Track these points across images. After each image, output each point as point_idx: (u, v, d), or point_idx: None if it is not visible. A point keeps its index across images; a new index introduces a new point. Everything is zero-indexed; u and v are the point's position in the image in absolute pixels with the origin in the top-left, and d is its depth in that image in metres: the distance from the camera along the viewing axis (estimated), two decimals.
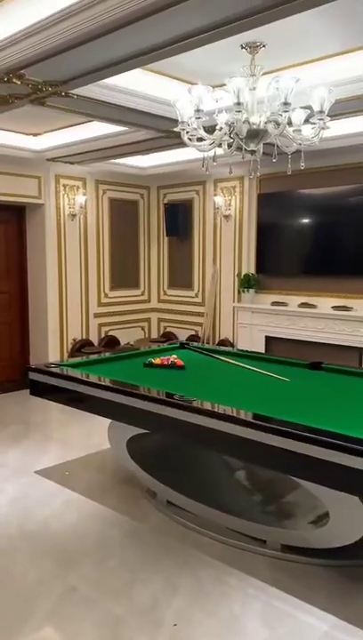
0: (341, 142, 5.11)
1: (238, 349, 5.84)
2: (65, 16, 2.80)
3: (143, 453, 3.69)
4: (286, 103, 3.20)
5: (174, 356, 4.19)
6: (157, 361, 4.05)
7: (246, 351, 5.02)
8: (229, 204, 7.41)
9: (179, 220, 7.99)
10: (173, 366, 4.00)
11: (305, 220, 6.74)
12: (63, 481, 4.04)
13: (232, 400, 2.99)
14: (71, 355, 7.19)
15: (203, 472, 3.74)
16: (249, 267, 7.29)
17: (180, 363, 4.03)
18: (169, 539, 3.20)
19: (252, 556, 3.00)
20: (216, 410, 2.86)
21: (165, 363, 4.02)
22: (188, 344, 5.04)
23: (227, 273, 7.58)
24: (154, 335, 8.51)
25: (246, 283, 7.19)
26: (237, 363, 4.18)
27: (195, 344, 5.31)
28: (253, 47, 3.48)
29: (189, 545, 3.12)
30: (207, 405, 2.93)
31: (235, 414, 2.78)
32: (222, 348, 5.38)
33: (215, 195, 7.54)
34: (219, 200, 7.46)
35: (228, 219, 7.47)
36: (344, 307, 6.21)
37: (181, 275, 8.24)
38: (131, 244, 8.20)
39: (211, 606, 2.58)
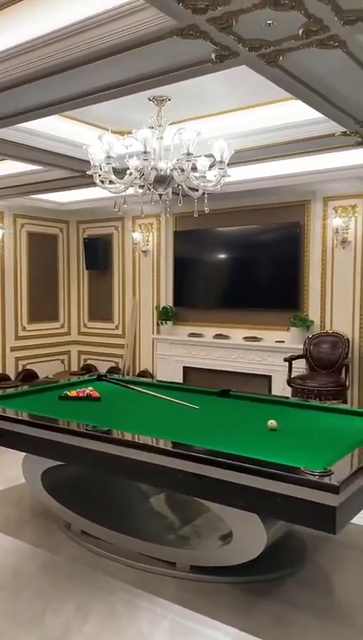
0: (244, 186, 5.55)
1: (157, 380, 6.03)
2: None
3: (58, 485, 3.75)
4: (188, 153, 3.51)
5: (90, 388, 4.30)
6: (72, 393, 4.14)
7: (162, 381, 5.22)
8: (147, 240, 7.70)
9: (98, 254, 8.19)
10: (88, 398, 4.10)
11: (219, 256, 7.14)
12: None
13: (144, 428, 3.16)
14: None
15: (116, 500, 3.85)
16: (167, 300, 7.56)
17: (95, 394, 4.14)
18: (83, 567, 3.27)
19: (162, 579, 3.12)
20: (125, 438, 3.02)
21: (81, 395, 4.13)
22: (105, 376, 5.16)
23: (146, 305, 7.82)
24: (74, 368, 8.54)
25: (164, 315, 7.44)
26: (151, 393, 4.35)
27: (116, 376, 5.44)
28: (159, 100, 3.79)
29: (101, 572, 3.20)
30: (117, 434, 3.07)
31: (143, 441, 2.95)
32: (139, 379, 5.54)
33: (133, 231, 7.81)
34: (137, 236, 7.74)
35: (146, 254, 7.75)
36: (254, 337, 6.59)
37: (101, 307, 8.39)
38: (50, 278, 8.27)
39: (120, 627, 2.69)
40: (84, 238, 8.43)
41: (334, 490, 2.27)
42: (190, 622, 2.73)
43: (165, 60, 2.81)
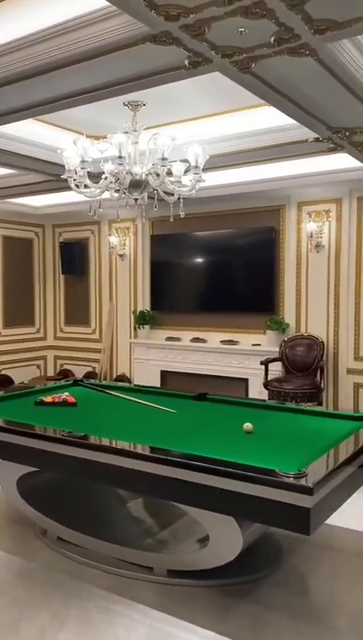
0: (219, 191, 5.60)
1: (134, 384, 6.01)
2: None
3: (34, 491, 3.71)
4: (163, 158, 3.52)
5: (66, 393, 4.27)
6: (48, 399, 4.11)
7: (139, 386, 5.20)
8: (124, 244, 7.69)
9: (75, 259, 8.14)
10: (64, 403, 4.07)
11: (195, 260, 7.16)
12: None
13: (120, 433, 3.15)
14: None
15: (93, 506, 3.83)
16: (144, 303, 7.56)
17: (71, 400, 4.11)
18: (59, 574, 3.24)
19: (139, 584, 3.12)
20: (101, 443, 3.01)
21: (57, 400, 4.09)
22: (82, 381, 5.13)
23: (123, 310, 7.80)
24: (50, 373, 8.47)
25: (141, 319, 7.43)
26: (128, 397, 4.34)
27: (92, 381, 5.41)
28: (134, 105, 3.80)
29: (78, 579, 3.18)
30: (93, 440, 3.06)
31: (119, 446, 2.94)
32: (116, 384, 5.52)
33: (110, 234, 7.79)
34: (114, 240, 7.72)
35: (123, 258, 7.74)
36: (231, 341, 6.63)
37: (78, 312, 8.34)
38: (26, 282, 8.20)
39: (97, 634, 2.67)
40: (60, 242, 8.38)
41: (308, 491, 2.30)
42: (168, 627, 2.73)
43: (139, 65, 2.83)
